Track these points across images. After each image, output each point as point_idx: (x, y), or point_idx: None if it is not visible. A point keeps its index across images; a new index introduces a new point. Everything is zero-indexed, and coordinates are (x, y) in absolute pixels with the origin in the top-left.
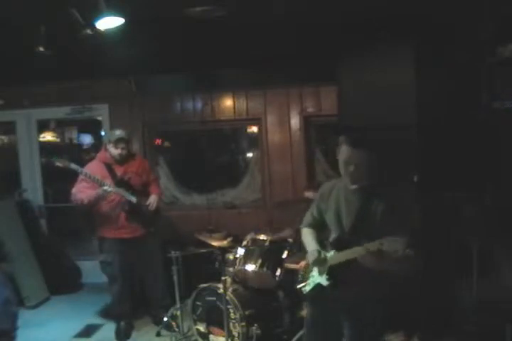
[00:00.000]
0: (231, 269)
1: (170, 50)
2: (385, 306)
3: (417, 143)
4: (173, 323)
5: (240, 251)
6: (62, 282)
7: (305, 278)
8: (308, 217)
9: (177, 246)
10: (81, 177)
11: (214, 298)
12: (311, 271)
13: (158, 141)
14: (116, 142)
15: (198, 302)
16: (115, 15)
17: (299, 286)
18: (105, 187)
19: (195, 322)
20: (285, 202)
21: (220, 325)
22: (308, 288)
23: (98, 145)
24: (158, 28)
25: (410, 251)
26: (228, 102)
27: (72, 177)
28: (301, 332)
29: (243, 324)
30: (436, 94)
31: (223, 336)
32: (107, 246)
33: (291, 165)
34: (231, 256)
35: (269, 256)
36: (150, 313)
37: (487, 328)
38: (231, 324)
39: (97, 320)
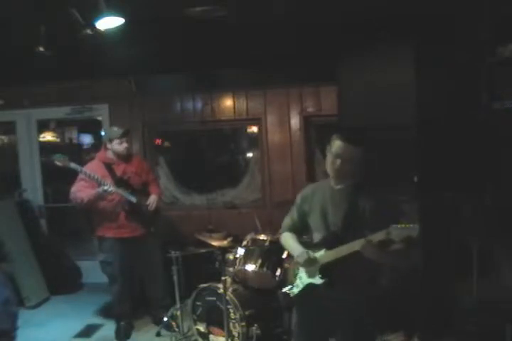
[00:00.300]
0: (231, 269)
1: (170, 50)
2: (379, 304)
3: (417, 143)
4: (173, 323)
5: (240, 251)
6: (62, 282)
7: (291, 281)
8: (287, 222)
9: (177, 246)
10: (80, 176)
11: (214, 298)
12: (298, 273)
13: (158, 141)
14: (122, 136)
15: (198, 302)
16: (115, 15)
17: (285, 289)
18: (105, 187)
19: (195, 322)
20: (285, 202)
21: (220, 325)
22: (296, 290)
23: (98, 145)
24: (158, 28)
25: (417, 239)
26: (228, 102)
27: (72, 177)
28: None
29: (243, 324)
30: (436, 94)
31: (223, 336)
32: (107, 245)
33: (291, 165)
34: (231, 256)
35: (269, 256)
36: (150, 313)
37: (487, 328)
38: (231, 324)
39: (97, 320)
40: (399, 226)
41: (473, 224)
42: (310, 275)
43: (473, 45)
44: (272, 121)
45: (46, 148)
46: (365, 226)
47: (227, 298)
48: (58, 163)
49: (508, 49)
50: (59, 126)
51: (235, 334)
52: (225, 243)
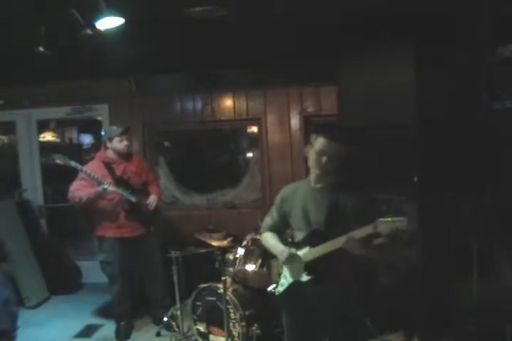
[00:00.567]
0: (231, 269)
1: (170, 50)
2: (367, 299)
3: (417, 143)
4: (173, 323)
5: (240, 251)
6: (62, 282)
7: (276, 280)
8: (267, 222)
9: (177, 246)
10: (80, 175)
11: (214, 298)
12: (282, 272)
13: (160, 141)
14: (122, 134)
15: (198, 302)
16: (115, 15)
17: (270, 288)
18: (105, 186)
19: (195, 322)
20: None
21: (220, 325)
22: (281, 289)
23: (98, 145)
24: (158, 28)
25: (406, 232)
26: (228, 102)
27: (72, 176)
28: None
29: (243, 324)
30: (436, 94)
31: (223, 336)
32: (107, 245)
33: (291, 165)
34: (231, 256)
35: (269, 256)
36: (150, 313)
37: (487, 328)
38: (231, 324)
39: (97, 320)
40: (385, 219)
41: (473, 224)
42: (294, 273)
43: (473, 45)
44: (272, 121)
45: (46, 148)
46: (348, 223)
47: (227, 298)
48: (59, 162)
49: (508, 49)
50: (59, 126)
51: (235, 334)
52: (225, 243)
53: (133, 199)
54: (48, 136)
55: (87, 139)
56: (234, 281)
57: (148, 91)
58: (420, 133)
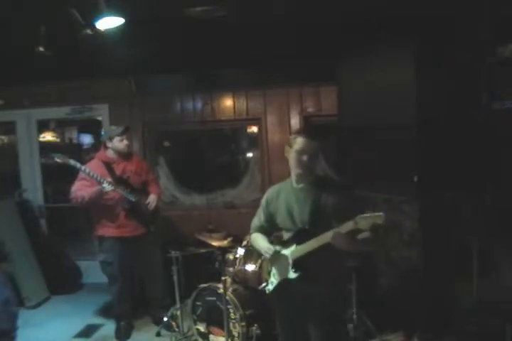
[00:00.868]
0: (231, 269)
1: (170, 50)
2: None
3: (417, 143)
4: (173, 323)
5: (240, 251)
6: (62, 282)
7: (266, 278)
8: (255, 223)
9: (177, 246)
10: (81, 175)
11: (214, 298)
12: (271, 270)
13: (160, 141)
14: (122, 134)
15: (198, 302)
16: (115, 15)
17: (260, 287)
18: (105, 185)
19: (195, 322)
20: None
21: (220, 325)
22: (271, 287)
23: (98, 145)
24: (158, 28)
25: (384, 225)
26: (228, 102)
27: (72, 176)
28: None
29: (243, 324)
30: (436, 94)
31: (223, 336)
32: (107, 245)
33: None
34: (231, 256)
35: None
36: (150, 313)
37: (487, 328)
38: (231, 324)
39: (97, 320)
40: (365, 215)
41: (473, 224)
42: (282, 271)
43: (473, 45)
44: (272, 121)
45: (46, 148)
46: (331, 220)
47: (227, 298)
48: (58, 160)
49: (508, 49)
50: (59, 126)
51: (235, 334)
52: (225, 243)
53: (132, 198)
54: (48, 136)
55: (87, 139)
56: (234, 281)
57: (148, 91)
58: (420, 133)
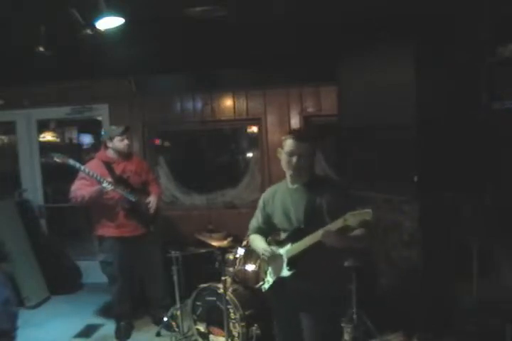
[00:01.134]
0: (231, 269)
1: (170, 50)
2: (344, 298)
3: (417, 143)
4: (173, 323)
5: (240, 251)
6: (62, 282)
7: (263, 277)
8: (253, 225)
9: (177, 246)
10: (80, 174)
11: (214, 298)
12: (267, 269)
13: (157, 141)
14: (123, 133)
15: (198, 302)
16: (115, 15)
17: (257, 286)
18: (104, 184)
19: (195, 322)
20: None
21: (220, 325)
22: (267, 286)
23: (98, 145)
24: (158, 28)
25: (372, 221)
26: (228, 102)
27: (72, 176)
28: None
29: (243, 324)
30: (436, 94)
31: (223, 336)
32: (107, 245)
33: None
34: (231, 256)
35: None
36: (150, 313)
37: (487, 328)
38: (231, 324)
39: (97, 320)
40: (354, 212)
41: (473, 224)
42: (277, 270)
43: (473, 45)
44: (272, 121)
45: (46, 148)
46: (326, 218)
47: (227, 298)
48: (57, 160)
49: (508, 49)
50: (59, 126)
51: (235, 334)
52: (225, 243)
53: (132, 198)
54: (48, 136)
55: (87, 139)
56: (234, 281)
57: (148, 91)
58: (420, 133)
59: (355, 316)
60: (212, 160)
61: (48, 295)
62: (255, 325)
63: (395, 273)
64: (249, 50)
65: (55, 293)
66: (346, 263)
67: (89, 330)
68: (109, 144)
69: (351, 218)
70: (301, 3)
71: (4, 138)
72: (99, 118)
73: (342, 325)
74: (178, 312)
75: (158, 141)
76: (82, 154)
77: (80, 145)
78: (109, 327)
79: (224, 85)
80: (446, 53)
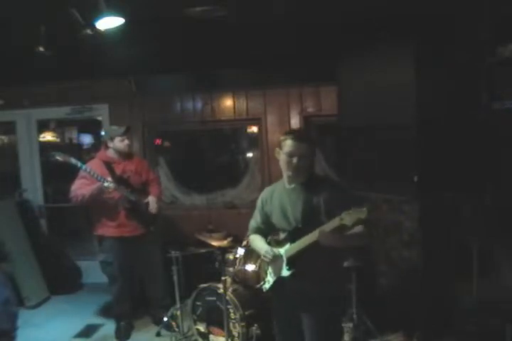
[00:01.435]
0: (231, 269)
1: (170, 50)
2: (344, 298)
3: (417, 143)
4: (173, 323)
5: (240, 251)
6: (62, 282)
7: (263, 277)
8: (252, 225)
9: (177, 246)
10: (81, 174)
11: (214, 298)
12: (267, 269)
13: (158, 141)
14: (124, 134)
15: (198, 302)
16: (115, 15)
17: (257, 286)
18: (105, 183)
19: (195, 322)
20: None
21: (220, 325)
22: (267, 286)
23: (98, 145)
24: (158, 28)
25: (368, 220)
26: (228, 102)
27: (73, 176)
28: None
29: (243, 324)
30: (436, 94)
31: (223, 336)
32: (107, 245)
33: None
34: (231, 256)
35: None
36: (150, 313)
37: (487, 328)
38: (231, 324)
39: (97, 320)
40: (349, 211)
41: (473, 224)
42: (276, 270)
43: (473, 45)
44: (272, 121)
45: (46, 148)
46: (323, 218)
47: (227, 298)
48: (59, 158)
49: (508, 49)
50: (59, 126)
51: (235, 334)
52: (225, 243)
53: (133, 198)
54: (48, 136)
55: (87, 139)
56: (234, 281)
57: (148, 91)
58: (420, 133)
59: (355, 316)
60: (212, 160)
61: (48, 295)
62: (255, 325)
63: (395, 273)
64: (249, 50)
65: (55, 293)
66: (346, 263)
67: (89, 330)
68: (110, 144)
69: (347, 217)
70: (301, 3)
71: (4, 138)
72: (99, 118)
73: (342, 324)
74: (178, 312)
75: (159, 141)
76: (82, 154)
77: (80, 145)
78: (109, 327)
79: (224, 85)
80: (446, 53)
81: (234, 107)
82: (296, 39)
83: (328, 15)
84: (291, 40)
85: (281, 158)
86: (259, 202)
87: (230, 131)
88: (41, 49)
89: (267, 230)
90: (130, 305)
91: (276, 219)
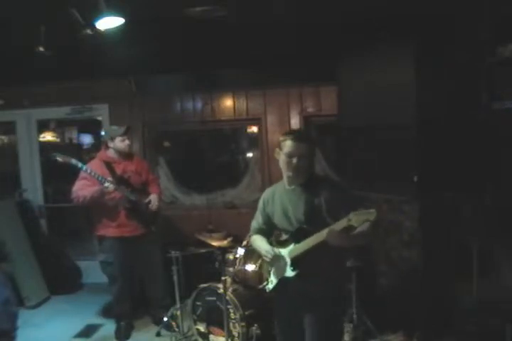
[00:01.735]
0: (231, 269)
1: (170, 50)
2: (345, 298)
3: (417, 143)
4: (173, 323)
5: (240, 251)
6: (62, 282)
7: (266, 277)
8: (254, 226)
9: (177, 246)
10: (82, 174)
11: (214, 298)
12: (270, 269)
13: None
14: (124, 134)
15: (198, 302)
16: (115, 15)
17: (260, 286)
18: (106, 184)
19: (195, 322)
20: None
21: (220, 325)
22: (270, 286)
23: (98, 145)
24: (158, 28)
25: (376, 222)
26: (228, 102)
27: (73, 176)
28: None
29: (243, 324)
30: (436, 94)
31: (223, 336)
32: (107, 245)
33: None
34: (231, 256)
35: None
36: (150, 313)
37: (487, 328)
38: (231, 324)
39: (97, 320)
40: (358, 212)
41: (473, 224)
42: (279, 271)
43: (473, 45)
44: (272, 121)
45: (46, 148)
46: (327, 218)
47: (227, 298)
48: (59, 159)
49: (508, 49)
50: (59, 126)
51: (235, 334)
52: (225, 243)
53: (133, 198)
54: (48, 136)
55: (87, 139)
56: (234, 281)
57: (148, 91)
58: (420, 133)
59: (355, 316)
60: (212, 160)
61: (48, 295)
62: (255, 325)
63: (395, 273)
64: (249, 50)
65: (55, 293)
66: (346, 263)
67: (89, 330)
68: (110, 144)
69: (355, 218)
70: (301, 3)
71: (4, 138)
72: (99, 118)
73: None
74: (178, 312)
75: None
76: (82, 154)
77: (79, 145)
78: (109, 327)
79: (224, 85)
80: (446, 53)
81: (234, 107)
82: (296, 39)
83: (328, 15)
84: (291, 40)
85: (281, 158)
86: (260, 203)
87: (230, 131)
88: (41, 49)
89: (269, 231)
90: (130, 305)
91: (278, 219)
